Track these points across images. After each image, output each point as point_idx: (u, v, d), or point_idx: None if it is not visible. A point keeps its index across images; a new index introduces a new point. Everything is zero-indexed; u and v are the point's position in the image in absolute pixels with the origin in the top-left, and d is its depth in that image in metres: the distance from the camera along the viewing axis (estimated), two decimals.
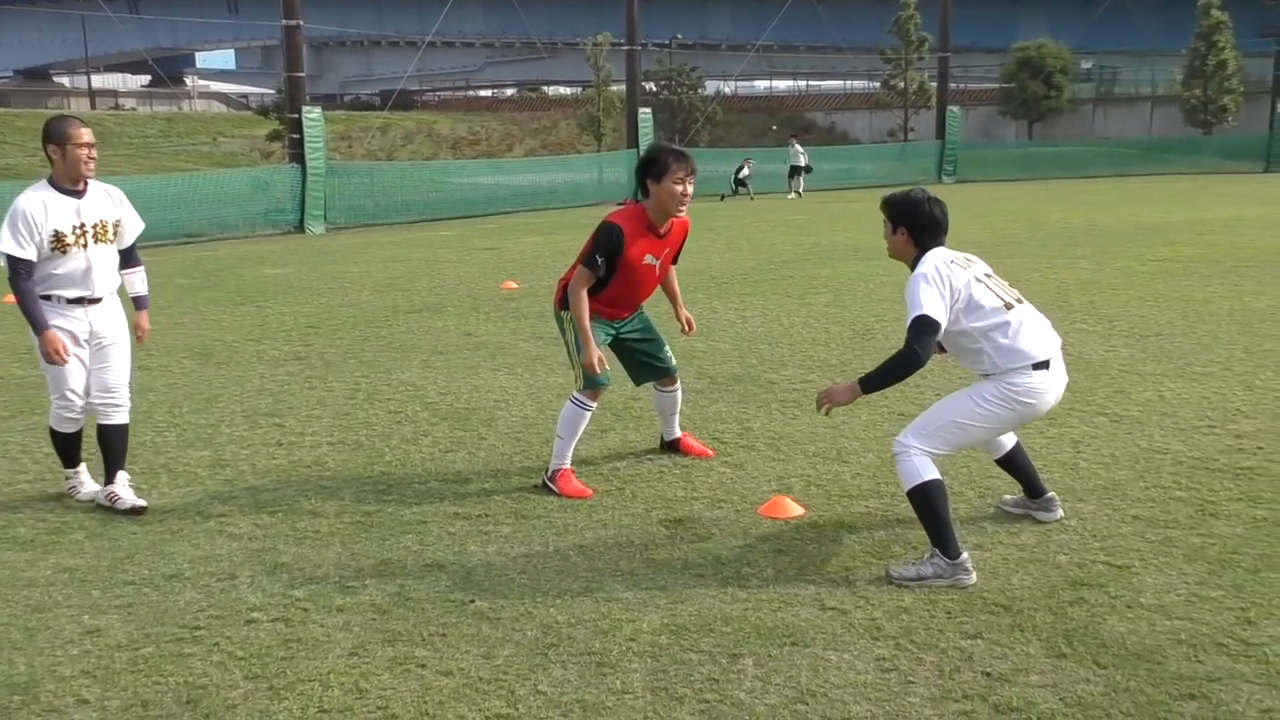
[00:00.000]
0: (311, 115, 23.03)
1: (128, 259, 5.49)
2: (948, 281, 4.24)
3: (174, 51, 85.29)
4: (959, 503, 5.05)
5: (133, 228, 5.47)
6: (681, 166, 5.20)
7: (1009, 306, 4.30)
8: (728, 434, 6.44)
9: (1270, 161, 39.59)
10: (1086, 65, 57.66)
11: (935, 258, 4.33)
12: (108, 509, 5.30)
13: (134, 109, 71.30)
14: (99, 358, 5.31)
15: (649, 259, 5.39)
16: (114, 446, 5.40)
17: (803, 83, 72.70)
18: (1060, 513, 4.88)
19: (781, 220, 22.79)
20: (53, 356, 5.08)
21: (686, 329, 6.01)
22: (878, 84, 53.83)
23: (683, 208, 5.34)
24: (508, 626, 3.95)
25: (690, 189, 5.26)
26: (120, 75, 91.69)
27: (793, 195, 31.04)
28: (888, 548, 4.64)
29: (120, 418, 5.40)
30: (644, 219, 5.33)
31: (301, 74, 24.46)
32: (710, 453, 6.02)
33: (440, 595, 4.23)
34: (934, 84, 44.25)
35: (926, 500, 4.27)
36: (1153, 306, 10.50)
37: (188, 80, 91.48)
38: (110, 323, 5.34)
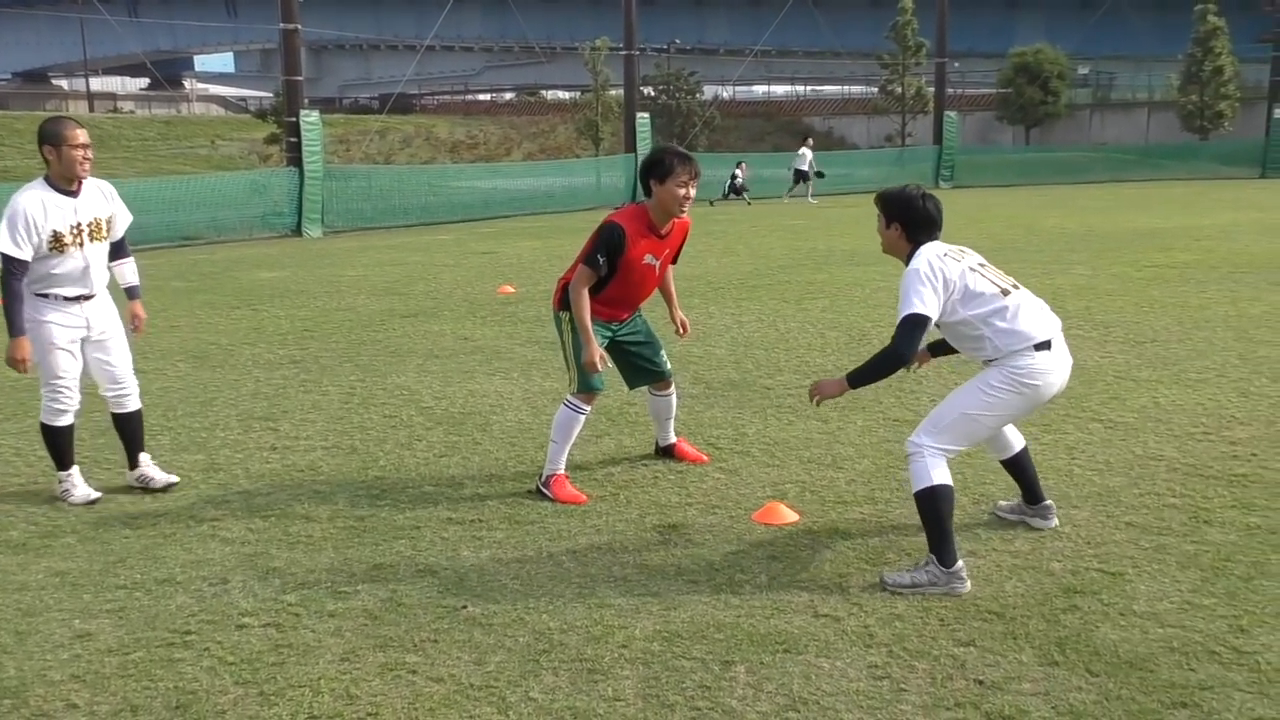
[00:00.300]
0: (309, 119, 23.03)
1: (117, 250, 5.61)
2: (940, 275, 4.25)
3: (172, 54, 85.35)
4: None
5: (123, 221, 5.58)
6: (685, 170, 5.22)
7: (1005, 292, 4.32)
8: (723, 439, 6.43)
9: (1267, 167, 39.60)
10: (1083, 71, 57.69)
11: (929, 251, 4.34)
12: (112, 505, 5.31)
13: (132, 112, 71.25)
14: (101, 352, 5.49)
15: (649, 259, 5.40)
16: (132, 432, 5.69)
17: (801, 88, 72.77)
18: (1055, 521, 4.88)
19: (779, 225, 22.80)
20: (15, 364, 5.15)
21: (681, 331, 6.02)
22: (875, 89, 53.86)
23: (684, 210, 5.35)
24: (500, 633, 3.95)
25: (693, 192, 5.29)
26: (119, 78, 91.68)
27: (795, 197, 30.85)
28: (881, 554, 4.63)
29: (133, 405, 5.66)
30: (645, 219, 5.35)
31: (299, 77, 24.46)
32: (705, 458, 6.01)
33: (432, 601, 4.22)
34: (931, 89, 44.26)
35: (933, 504, 4.27)
36: (1148, 312, 10.50)
37: (186, 83, 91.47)
38: (107, 316, 5.51)
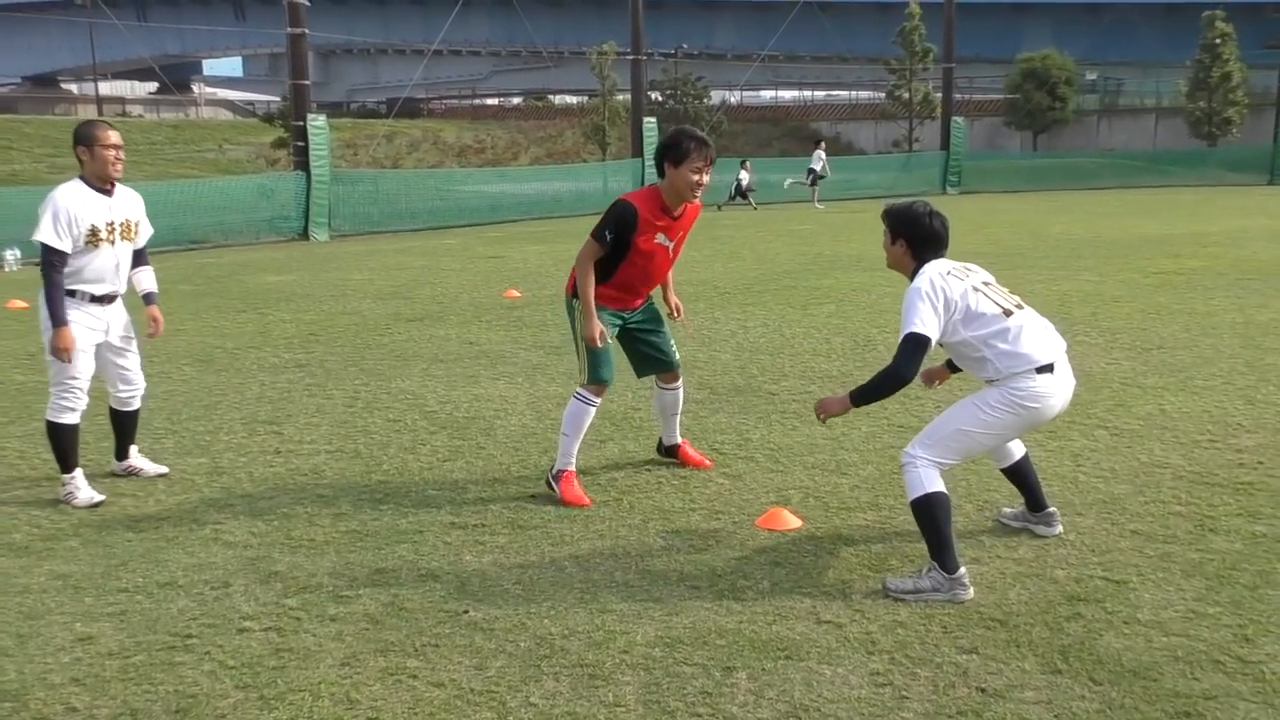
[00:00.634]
0: (316, 123, 23.08)
1: (137, 258, 5.81)
2: (942, 294, 4.24)
3: (181, 59, 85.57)
4: (957, 516, 5.01)
5: (145, 232, 5.85)
6: (700, 155, 5.23)
7: (1008, 313, 4.30)
8: (727, 445, 6.42)
9: (1275, 174, 39.55)
10: (1091, 77, 57.63)
11: (932, 270, 4.32)
12: (115, 508, 5.31)
13: (141, 116, 71.54)
14: (116, 355, 5.70)
15: (661, 239, 5.40)
16: (128, 427, 5.92)
17: (808, 93, 72.76)
18: (1059, 528, 4.86)
19: (785, 230, 22.78)
20: (60, 354, 5.34)
21: (675, 314, 6.01)
22: (883, 94, 53.84)
23: (696, 195, 5.36)
24: (501, 638, 3.94)
25: (706, 179, 5.29)
26: (128, 82, 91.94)
27: (819, 206, 30.73)
28: (885, 561, 4.61)
29: (137, 404, 5.90)
30: (658, 200, 5.35)
31: (306, 82, 24.51)
32: (708, 463, 6.00)
33: (434, 605, 4.21)
34: (939, 94, 44.25)
35: (929, 513, 4.26)
36: (1155, 319, 10.47)
37: (195, 87, 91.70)
38: (124, 319, 5.71)
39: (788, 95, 74.27)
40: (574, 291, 5.45)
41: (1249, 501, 5.26)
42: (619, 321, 5.57)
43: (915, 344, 4.20)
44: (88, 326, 5.47)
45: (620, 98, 45.22)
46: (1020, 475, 4.84)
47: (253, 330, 10.75)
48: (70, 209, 5.32)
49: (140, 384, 5.87)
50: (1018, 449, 4.81)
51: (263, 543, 4.93)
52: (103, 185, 5.47)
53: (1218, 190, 35.13)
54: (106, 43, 69.46)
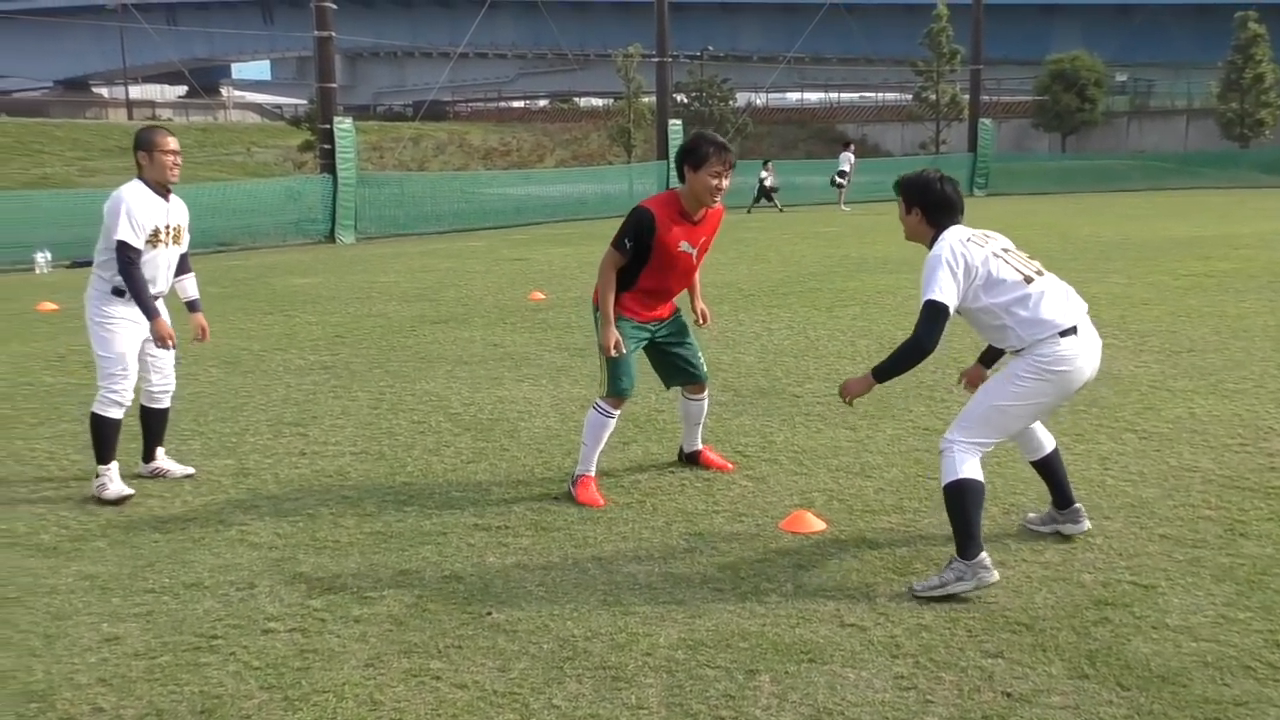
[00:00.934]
0: (343, 126, 23.20)
1: (180, 266, 6.01)
2: (962, 261, 4.23)
3: (210, 62, 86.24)
4: (982, 519, 4.98)
5: (186, 240, 6.03)
6: (720, 160, 5.21)
7: (1029, 280, 4.27)
8: (750, 447, 6.40)
9: None
10: (1121, 78, 57.18)
11: (951, 237, 4.31)
12: (142, 509, 5.35)
13: (170, 119, 72.10)
14: (160, 351, 5.81)
15: (684, 245, 5.38)
16: (159, 427, 6.02)
17: (834, 94, 72.56)
18: (1087, 524, 4.81)
19: (811, 232, 22.73)
20: (164, 341, 5.62)
21: (701, 321, 6.00)
22: (909, 96, 53.59)
23: (716, 200, 5.34)
24: (524, 639, 3.94)
25: (726, 183, 5.27)
26: (158, 86, 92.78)
27: (845, 208, 30.56)
28: (909, 564, 4.59)
29: (167, 402, 6.01)
30: (678, 205, 5.34)
31: (333, 85, 24.66)
32: (730, 466, 5.98)
33: (458, 607, 4.22)
34: (966, 96, 44.03)
35: (960, 499, 4.23)
36: (1185, 322, 10.37)
37: (223, 91, 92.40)
38: (165, 318, 5.80)
39: (813, 97, 74.11)
40: (599, 302, 5.46)
41: None
42: (646, 336, 5.56)
43: (935, 311, 4.18)
44: (135, 323, 5.64)
45: (645, 100, 45.24)
46: (1049, 469, 4.79)
47: (279, 332, 10.81)
48: (137, 208, 5.54)
49: (172, 382, 6.00)
50: (1048, 441, 4.77)
51: (288, 544, 4.95)
52: (161, 189, 5.68)
53: (1250, 192, 34.77)
54: (137, 47, 70.09)
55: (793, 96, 75.88)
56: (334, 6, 24.49)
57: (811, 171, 36.04)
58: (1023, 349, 4.28)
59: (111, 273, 5.56)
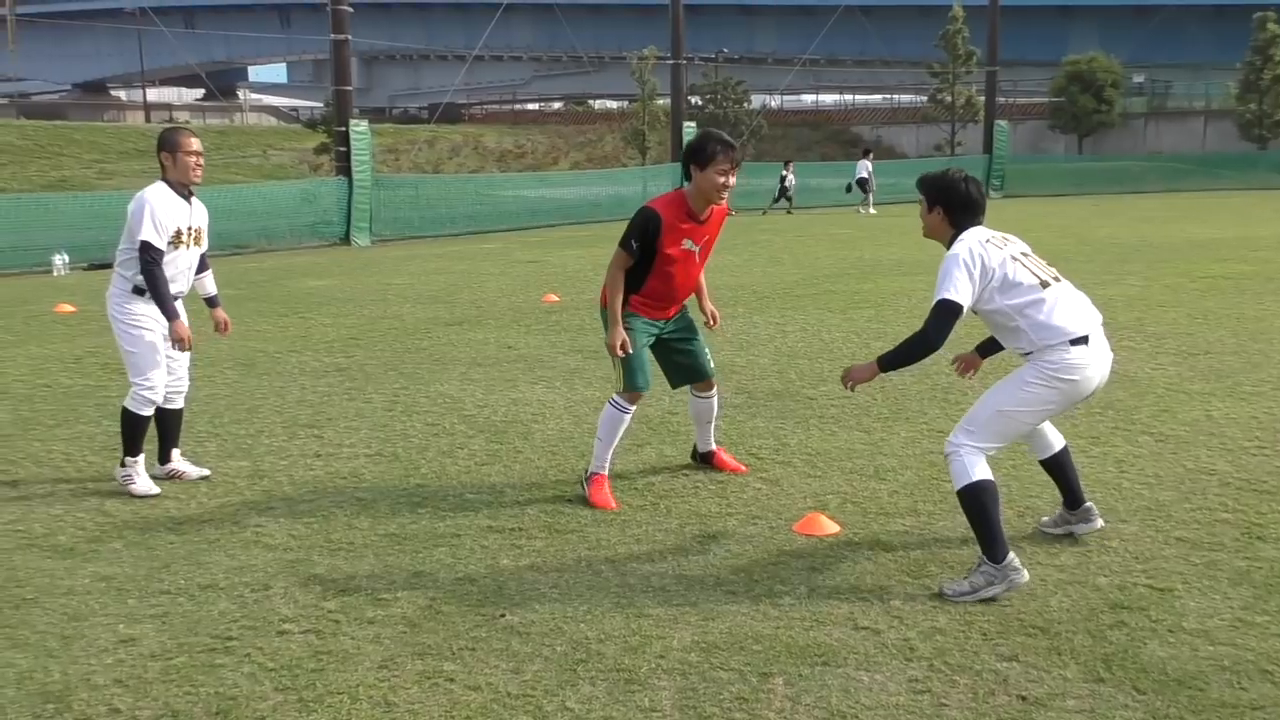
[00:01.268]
0: (359, 128, 23.27)
1: (199, 265, 6.06)
2: (979, 261, 4.22)
3: (227, 65, 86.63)
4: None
5: (206, 241, 6.08)
6: (726, 158, 5.21)
7: (1045, 284, 4.27)
8: (764, 449, 6.39)
9: None
10: (1138, 79, 56.94)
11: (970, 238, 4.31)
12: (159, 510, 5.39)
13: (188, 122, 72.41)
14: (174, 352, 5.84)
15: (688, 244, 5.38)
16: (174, 428, 6.06)
17: (849, 96, 72.45)
18: (1100, 522, 4.79)
19: (826, 234, 22.70)
20: (184, 343, 5.66)
21: (711, 322, 6.00)
22: (925, 98, 53.47)
23: (723, 198, 5.34)
24: (537, 641, 3.94)
25: (733, 180, 5.27)
26: (175, 89, 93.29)
27: (869, 211, 30.34)
28: (924, 567, 4.57)
29: (182, 402, 6.08)
30: (684, 205, 5.34)
31: (349, 88, 24.74)
32: (744, 468, 5.98)
33: (471, 609, 4.22)
34: (982, 98, 43.92)
35: (975, 501, 4.22)
36: (1202, 324, 10.32)
37: (240, 93, 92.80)
38: (184, 318, 5.86)
39: (829, 99, 74.02)
40: (606, 304, 5.46)
41: None
42: (654, 331, 5.57)
43: (947, 310, 4.19)
44: (157, 321, 5.70)
45: (660, 102, 45.28)
46: (1059, 468, 4.78)
47: (294, 334, 10.85)
48: (161, 209, 5.60)
49: (186, 382, 6.04)
50: (1057, 440, 4.75)
51: (302, 545, 4.96)
52: (183, 190, 5.74)
53: (1268, 194, 34.56)
54: (154, 50, 70.49)
55: (808, 98, 75.82)
56: (350, 10, 24.58)
57: (826, 174, 35.99)
58: (1032, 353, 4.27)
59: (133, 271, 5.63)
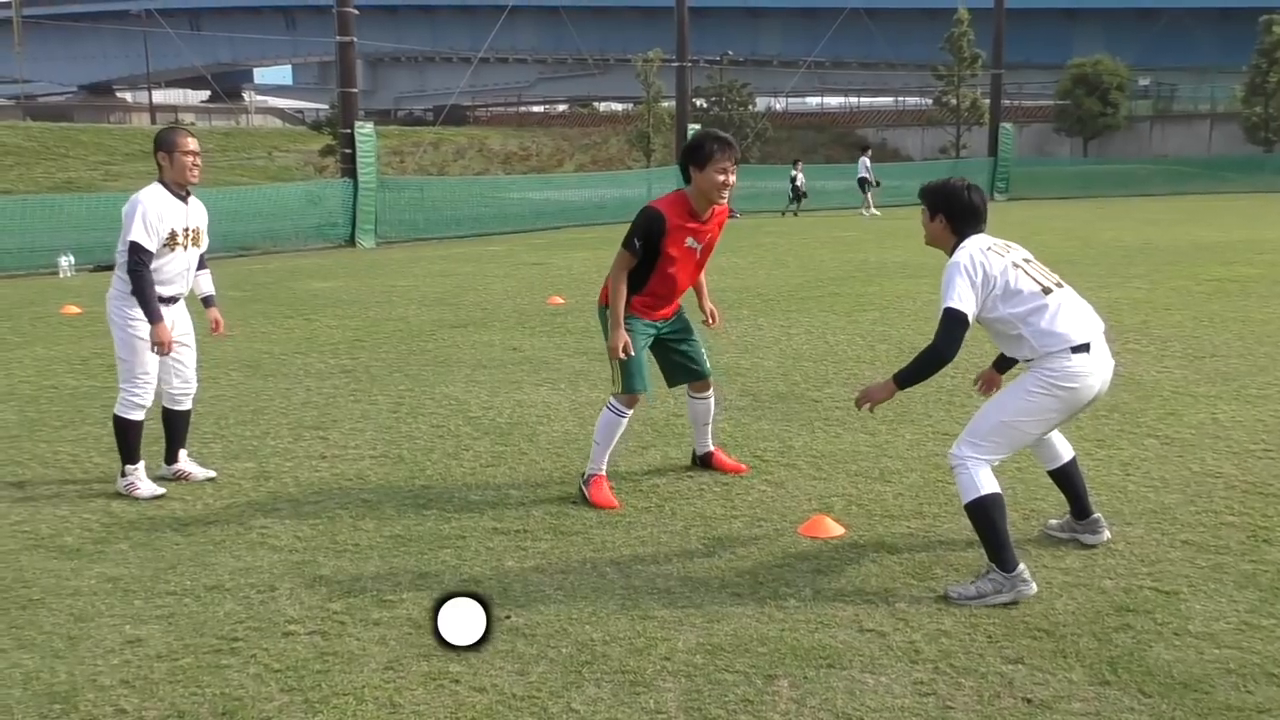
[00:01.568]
0: (364, 130, 23.30)
1: (198, 264, 6.03)
2: (981, 269, 4.22)
3: (232, 67, 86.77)
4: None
5: (205, 241, 6.06)
6: (725, 156, 5.20)
7: (1047, 291, 4.27)
8: (769, 452, 6.39)
9: None
10: (1144, 82, 56.89)
11: (972, 245, 4.31)
12: (164, 511, 5.40)
13: (193, 123, 72.48)
14: (176, 354, 5.82)
15: (690, 242, 5.38)
16: (181, 429, 6.06)
17: (855, 99, 72.44)
18: (1107, 534, 4.79)
19: (831, 237, 22.69)
20: (163, 348, 5.58)
21: (710, 321, 6.00)
22: (930, 100, 53.45)
23: (724, 197, 5.33)
24: (542, 643, 3.94)
25: (733, 178, 5.27)
26: (181, 91, 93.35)
27: (871, 213, 30.23)
28: (929, 569, 4.57)
29: (189, 404, 6.06)
30: (685, 205, 5.34)
31: (354, 90, 24.76)
32: (744, 468, 5.98)
33: None
34: (987, 101, 43.88)
35: (984, 514, 4.23)
36: (1208, 327, 10.30)
37: (245, 95, 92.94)
38: (186, 321, 5.90)
39: (834, 102, 74.00)
40: (606, 301, 5.46)
41: None
42: (653, 331, 5.57)
43: (954, 320, 4.19)
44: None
45: (665, 104, 45.23)
46: (1067, 479, 4.78)
47: (299, 336, 10.87)
48: (154, 210, 5.57)
49: (194, 383, 6.04)
50: (1065, 451, 4.75)
51: (308, 547, 4.97)
52: (180, 191, 5.71)
53: (1274, 197, 34.50)
54: (160, 52, 70.59)
55: (813, 101, 75.84)
56: (356, 12, 24.62)
57: (830, 177, 35.97)
58: (1034, 360, 4.27)
59: None
